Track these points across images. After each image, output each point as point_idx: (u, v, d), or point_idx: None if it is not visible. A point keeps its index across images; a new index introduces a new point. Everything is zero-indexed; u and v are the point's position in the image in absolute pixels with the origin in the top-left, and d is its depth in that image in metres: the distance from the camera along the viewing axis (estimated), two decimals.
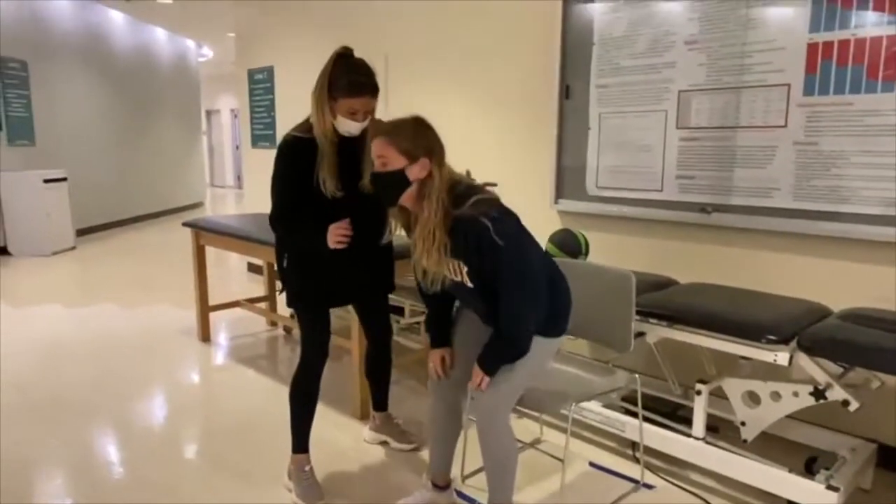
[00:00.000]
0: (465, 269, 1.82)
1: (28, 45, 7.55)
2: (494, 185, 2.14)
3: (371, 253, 2.37)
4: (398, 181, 1.81)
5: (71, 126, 8.43)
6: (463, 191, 1.80)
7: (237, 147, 16.70)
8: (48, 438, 2.77)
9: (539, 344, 1.90)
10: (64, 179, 7.53)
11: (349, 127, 2.15)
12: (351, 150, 2.20)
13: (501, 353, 1.87)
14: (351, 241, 2.15)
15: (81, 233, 8.32)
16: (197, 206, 12.50)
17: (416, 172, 1.80)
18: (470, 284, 1.84)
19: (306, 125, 2.20)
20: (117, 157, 9.62)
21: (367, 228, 2.27)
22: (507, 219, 1.79)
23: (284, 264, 2.33)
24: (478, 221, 1.72)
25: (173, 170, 11.51)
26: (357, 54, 2.15)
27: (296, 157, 2.18)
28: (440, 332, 2.12)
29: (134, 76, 10.09)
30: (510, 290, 1.78)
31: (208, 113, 17.29)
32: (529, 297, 1.80)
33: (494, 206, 1.78)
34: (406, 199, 1.84)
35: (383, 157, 1.81)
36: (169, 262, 6.84)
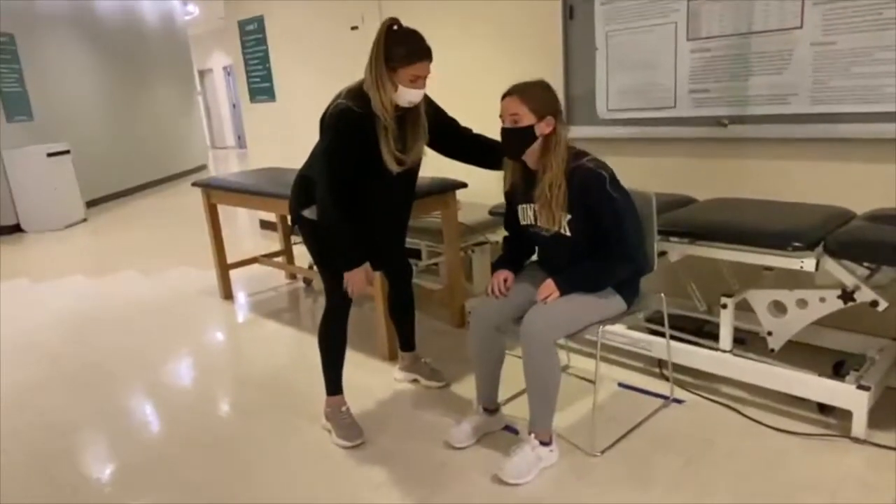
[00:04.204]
0: (567, 219, 2.00)
1: (13, 18, 7.37)
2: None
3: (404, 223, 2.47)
4: (526, 136, 1.98)
5: (66, 97, 8.32)
6: (576, 150, 2.03)
7: (234, 106, 16.49)
8: (87, 403, 2.85)
9: (611, 296, 2.08)
10: (67, 152, 7.48)
11: (411, 96, 2.09)
12: (402, 123, 2.17)
13: (582, 276, 2.04)
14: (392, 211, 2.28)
15: (90, 204, 8.33)
16: (200, 169, 12.44)
17: (542, 129, 1.97)
18: (567, 234, 2.02)
19: (361, 98, 2.08)
20: (116, 126, 9.52)
21: (407, 200, 2.40)
22: (617, 179, 2.00)
23: (308, 215, 2.27)
24: (596, 172, 1.96)
25: (173, 134, 11.39)
26: None
27: (354, 132, 2.09)
28: (512, 256, 2.27)
29: (123, 41, 9.86)
30: (616, 234, 1.98)
31: (201, 73, 16.97)
32: (631, 246, 2.03)
33: (607, 166, 2.00)
34: (530, 154, 2.02)
35: (516, 114, 1.96)
36: (181, 226, 6.86)
